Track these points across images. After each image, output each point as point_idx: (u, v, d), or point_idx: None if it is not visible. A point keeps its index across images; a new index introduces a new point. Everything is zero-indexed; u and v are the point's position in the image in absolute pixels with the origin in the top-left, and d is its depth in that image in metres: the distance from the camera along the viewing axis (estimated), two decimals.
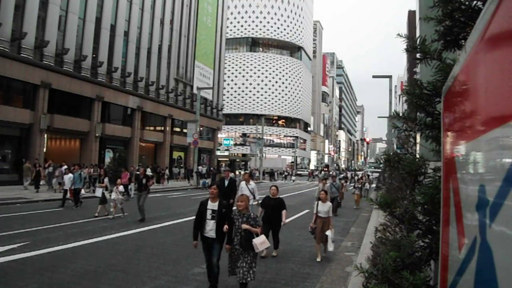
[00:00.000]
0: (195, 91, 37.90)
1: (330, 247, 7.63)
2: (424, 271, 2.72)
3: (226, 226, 5.28)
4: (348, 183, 22.19)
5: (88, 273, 6.34)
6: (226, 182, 10.44)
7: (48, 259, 7.03)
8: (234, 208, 6.10)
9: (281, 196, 8.36)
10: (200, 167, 35.98)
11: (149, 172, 31.00)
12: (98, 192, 13.29)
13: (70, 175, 15.03)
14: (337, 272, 6.92)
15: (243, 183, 9.95)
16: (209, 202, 5.48)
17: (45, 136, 24.91)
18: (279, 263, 7.52)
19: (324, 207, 7.81)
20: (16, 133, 23.53)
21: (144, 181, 12.41)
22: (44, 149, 24.74)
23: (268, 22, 79.12)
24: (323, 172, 54.52)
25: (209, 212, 5.42)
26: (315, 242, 7.99)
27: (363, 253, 6.94)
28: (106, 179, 14.41)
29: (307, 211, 14.52)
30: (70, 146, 29.66)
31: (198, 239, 5.58)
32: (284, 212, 7.66)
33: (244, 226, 5.21)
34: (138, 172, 14.00)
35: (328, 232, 7.59)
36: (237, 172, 47.59)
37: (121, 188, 12.79)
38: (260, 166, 49.60)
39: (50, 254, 7.40)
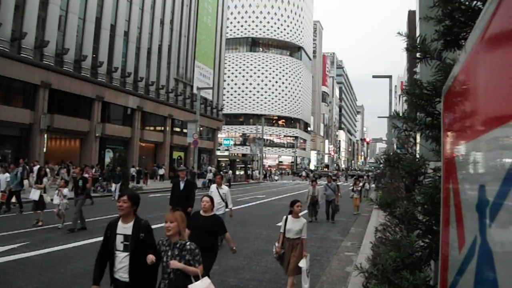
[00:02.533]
0: (195, 91, 37.89)
1: (305, 283, 5.30)
2: (424, 271, 2.72)
3: (151, 257, 3.24)
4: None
5: (88, 273, 6.34)
6: (182, 185, 8.51)
7: (48, 259, 7.04)
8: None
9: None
10: (209, 167, 35.86)
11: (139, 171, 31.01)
12: (35, 194, 10.82)
13: (6, 174, 12.87)
14: (337, 272, 6.92)
15: (213, 187, 8.47)
16: (120, 222, 3.43)
17: (45, 136, 24.91)
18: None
19: (296, 225, 5.48)
20: (16, 133, 23.55)
21: (80, 183, 10.61)
22: (44, 149, 24.74)
23: (268, 22, 79.10)
24: (311, 173, 54.03)
25: (119, 239, 3.37)
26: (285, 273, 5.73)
27: (363, 253, 6.94)
28: (45, 179, 11.78)
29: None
30: (70, 146, 29.68)
31: (100, 283, 3.55)
32: (227, 236, 5.13)
33: (175, 263, 3.22)
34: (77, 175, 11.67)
35: (302, 263, 5.31)
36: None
37: (65, 191, 10.62)
38: (260, 166, 49.59)
39: (50, 254, 7.40)
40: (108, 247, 3.42)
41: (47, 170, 20.24)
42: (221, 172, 35.38)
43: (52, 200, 10.73)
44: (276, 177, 50.37)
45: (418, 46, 3.03)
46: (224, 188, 8.49)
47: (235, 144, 71.33)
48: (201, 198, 5.15)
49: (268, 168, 60.10)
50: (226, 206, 8.46)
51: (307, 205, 13.11)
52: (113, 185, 18.41)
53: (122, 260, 3.35)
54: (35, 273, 6.19)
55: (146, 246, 3.33)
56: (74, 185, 10.91)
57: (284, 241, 5.52)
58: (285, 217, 5.65)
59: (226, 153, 54.44)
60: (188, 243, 3.31)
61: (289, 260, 5.42)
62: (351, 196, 16.65)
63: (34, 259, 7.00)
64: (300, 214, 5.65)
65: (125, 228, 3.39)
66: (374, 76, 27.99)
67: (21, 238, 8.62)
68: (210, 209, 5.06)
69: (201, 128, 38.90)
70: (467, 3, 2.71)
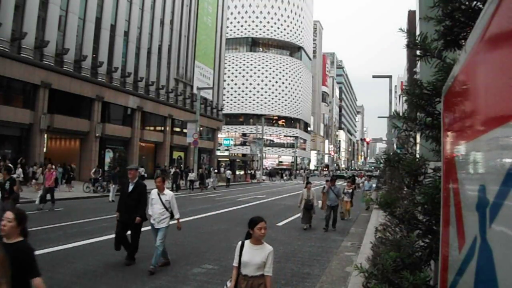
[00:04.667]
0: (195, 91, 37.90)
1: None
2: (424, 271, 2.72)
3: None
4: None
5: (88, 273, 6.34)
6: (131, 187, 7.16)
7: (48, 259, 7.03)
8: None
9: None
10: (214, 168, 35.24)
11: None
12: None
13: None
14: (337, 272, 6.92)
15: (154, 193, 6.77)
16: None
17: (45, 136, 24.93)
18: (279, 263, 7.52)
19: (257, 256, 3.58)
20: (16, 133, 23.56)
21: (7, 185, 9.07)
22: (44, 149, 24.75)
23: (268, 22, 79.09)
24: (304, 172, 53.25)
25: None
26: None
27: (363, 253, 6.94)
28: None
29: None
30: (70, 146, 29.68)
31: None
32: (36, 282, 2.83)
33: None
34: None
35: None
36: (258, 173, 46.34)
37: None
38: (260, 166, 49.60)
39: (50, 254, 7.40)
40: None
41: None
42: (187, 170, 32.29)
43: None
44: (264, 177, 49.41)
45: (419, 44, 3.03)
46: (168, 194, 6.80)
47: (235, 144, 71.32)
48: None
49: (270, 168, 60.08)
50: (172, 217, 6.85)
51: (301, 210, 11.82)
52: (112, 185, 18.25)
53: None
54: None
55: None
56: (0, 189, 9.17)
57: (238, 280, 3.58)
58: (240, 243, 3.66)
59: (226, 153, 54.42)
60: None
61: None
62: (342, 198, 13.96)
63: None
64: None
65: None
66: (374, 76, 27.95)
67: None
68: (13, 232, 2.92)
69: (201, 128, 38.90)
70: (467, 3, 2.71)
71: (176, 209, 6.82)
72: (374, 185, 19.65)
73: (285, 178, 52.67)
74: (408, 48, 3.25)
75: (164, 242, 6.64)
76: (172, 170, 27.15)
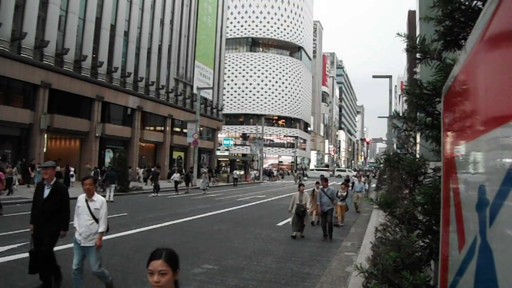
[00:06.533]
0: (195, 91, 37.92)
1: None
2: (424, 271, 2.72)
3: None
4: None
5: (87, 273, 6.33)
6: (47, 192, 5.48)
7: None
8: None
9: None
10: (212, 167, 34.60)
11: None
12: None
13: None
14: (337, 272, 6.92)
15: (81, 199, 5.24)
16: None
17: (45, 136, 24.93)
18: (279, 263, 7.52)
19: None
20: (16, 133, 23.56)
21: None
22: (44, 149, 24.75)
23: (268, 22, 79.10)
24: (296, 172, 51.77)
25: None
26: None
27: (363, 253, 6.94)
28: None
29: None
30: (70, 146, 29.69)
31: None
32: None
33: None
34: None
35: None
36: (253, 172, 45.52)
37: None
38: (260, 166, 49.60)
39: None
40: None
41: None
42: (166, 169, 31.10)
43: None
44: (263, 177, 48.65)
45: (418, 47, 3.03)
46: (98, 201, 5.26)
47: (235, 144, 71.31)
48: None
49: (268, 168, 60.01)
50: (107, 231, 5.44)
51: (292, 215, 10.60)
52: (112, 186, 18.14)
53: None
54: None
55: None
56: None
57: None
58: None
59: (226, 153, 54.41)
60: None
61: None
62: (335, 202, 12.19)
63: None
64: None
65: None
66: (374, 76, 27.95)
67: (21, 238, 8.61)
68: None
69: (201, 128, 38.91)
70: (467, 3, 2.71)
71: (103, 220, 5.23)
72: (373, 185, 19.22)
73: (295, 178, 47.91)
74: (408, 52, 3.25)
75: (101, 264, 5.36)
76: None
